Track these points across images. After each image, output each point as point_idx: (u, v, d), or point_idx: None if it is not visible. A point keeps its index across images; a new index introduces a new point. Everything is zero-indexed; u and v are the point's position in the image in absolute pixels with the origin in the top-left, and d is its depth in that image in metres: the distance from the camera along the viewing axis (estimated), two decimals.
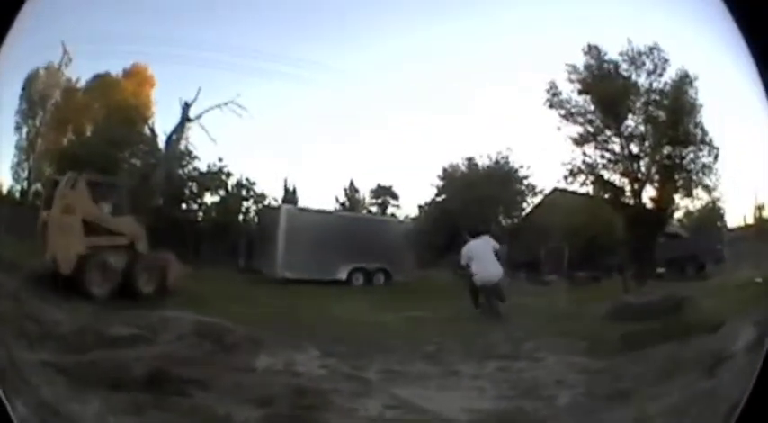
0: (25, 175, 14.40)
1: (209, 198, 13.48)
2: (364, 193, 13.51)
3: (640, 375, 5.29)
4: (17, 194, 13.03)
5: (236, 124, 12.11)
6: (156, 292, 10.38)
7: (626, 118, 9.83)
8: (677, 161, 9.15)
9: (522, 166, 11.64)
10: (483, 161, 12.13)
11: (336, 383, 6.39)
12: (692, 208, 10.15)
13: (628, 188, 9.88)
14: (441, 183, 12.19)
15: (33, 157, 14.79)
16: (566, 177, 10.43)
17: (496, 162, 11.59)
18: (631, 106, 9.74)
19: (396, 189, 13.36)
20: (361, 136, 12.53)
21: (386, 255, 11.77)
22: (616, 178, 10.31)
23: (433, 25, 11.00)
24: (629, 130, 9.87)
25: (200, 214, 13.46)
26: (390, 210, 13.59)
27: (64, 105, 14.40)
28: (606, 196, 10.23)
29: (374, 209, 13.41)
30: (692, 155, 8.99)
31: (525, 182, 11.76)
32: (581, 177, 10.33)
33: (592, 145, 10.10)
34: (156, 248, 10.51)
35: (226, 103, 11.85)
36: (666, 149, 9.51)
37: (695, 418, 4.30)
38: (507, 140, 11.34)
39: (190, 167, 13.30)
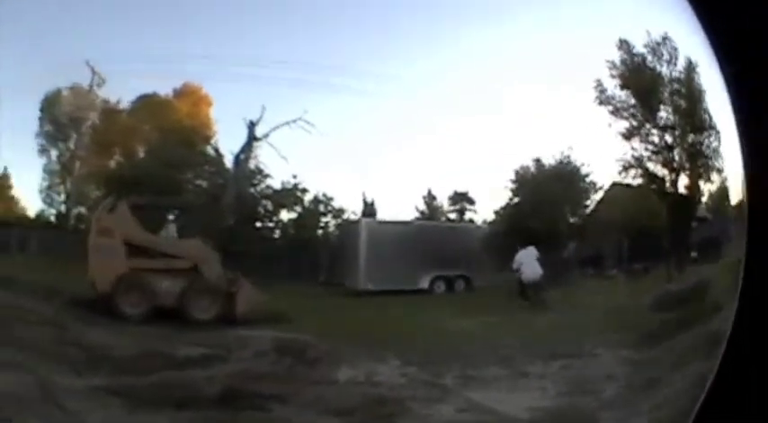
0: (61, 198, 16.62)
1: (285, 215, 15.36)
2: (442, 200, 15.13)
3: (667, 363, 6.82)
4: (52, 218, 15.24)
5: (306, 140, 13.63)
6: (217, 319, 11.90)
7: (659, 109, 11.43)
8: (698, 147, 10.87)
9: (583, 164, 13.21)
10: (549, 161, 13.53)
11: (415, 391, 8.10)
12: (710, 191, 11.52)
13: (667, 178, 11.45)
14: (513, 185, 13.84)
15: (71, 181, 17.12)
16: (620, 172, 11.85)
17: (560, 162, 13.23)
18: (661, 97, 11.36)
19: (472, 194, 14.91)
20: (432, 143, 14.07)
21: (465, 261, 13.80)
22: (658, 169, 11.85)
23: (483, 28, 12.64)
24: (663, 120, 11.44)
25: (277, 232, 15.55)
26: (468, 215, 15.24)
27: (105, 127, 16.67)
28: (653, 187, 12.05)
29: (453, 215, 15.24)
30: (707, 140, 10.58)
31: (587, 179, 13.37)
32: (632, 171, 11.87)
33: (637, 138, 11.58)
34: (233, 270, 12.29)
35: (294, 121, 13.62)
36: (690, 137, 11.12)
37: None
38: (567, 140, 12.70)
39: (262, 186, 15.24)
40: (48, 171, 17.73)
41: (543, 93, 11.61)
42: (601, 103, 11.95)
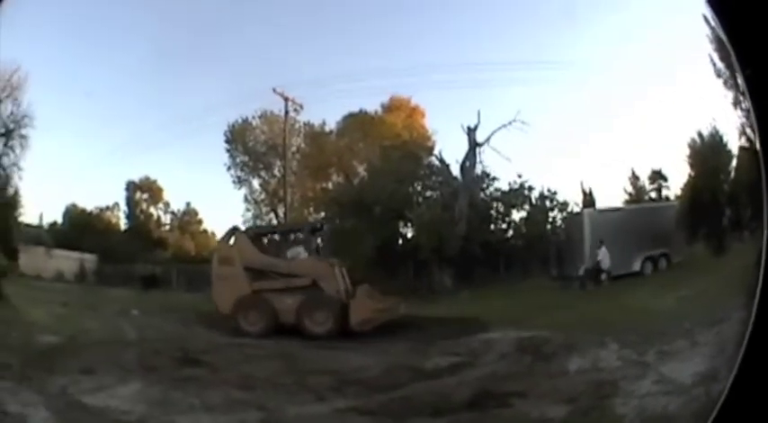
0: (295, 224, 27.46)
1: (516, 215, 25.67)
2: (643, 180, 23.82)
3: None
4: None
5: (520, 137, 22.78)
6: (333, 332, 21.17)
7: None
8: None
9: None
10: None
11: (626, 371, 15.66)
12: None
13: None
14: (689, 160, 21.68)
15: (285, 208, 27.68)
16: None
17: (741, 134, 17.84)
18: None
19: (665, 171, 23.35)
20: (630, 122, 22.14)
21: (664, 239, 22.94)
22: None
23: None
24: None
25: (510, 232, 25.81)
26: (663, 192, 23.68)
27: (315, 151, 27.45)
28: None
29: (653, 194, 23.76)
30: None
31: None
32: None
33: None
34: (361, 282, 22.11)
35: (510, 123, 22.81)
36: None
37: None
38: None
39: (491, 189, 25.63)
40: (252, 201, 28.66)
41: (698, 68, 17.66)
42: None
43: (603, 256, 23.17)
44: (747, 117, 13.01)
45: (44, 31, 20.58)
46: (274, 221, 27.62)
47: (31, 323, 20.37)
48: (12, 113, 21.59)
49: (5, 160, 21.99)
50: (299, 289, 22.21)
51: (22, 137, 22.03)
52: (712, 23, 12.93)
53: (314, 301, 22.01)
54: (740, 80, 10.80)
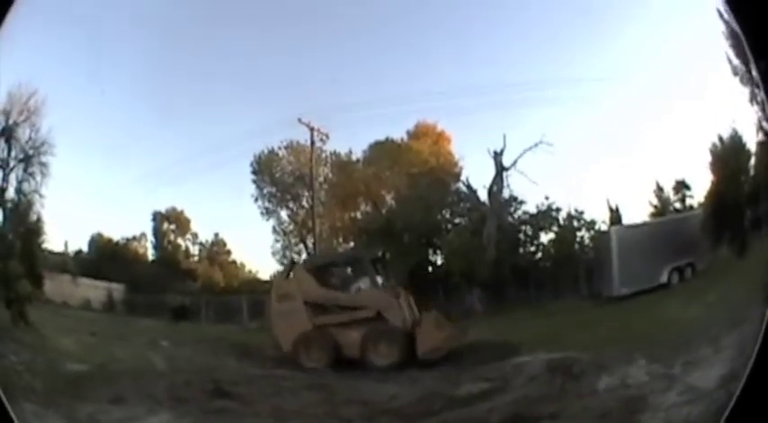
0: (301, 257, 28.23)
1: (544, 237, 26.51)
2: (668, 191, 24.18)
3: None
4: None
5: (545, 158, 23.44)
6: (398, 364, 20.96)
7: None
8: None
9: None
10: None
11: (653, 385, 15.78)
12: None
13: None
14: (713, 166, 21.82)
15: (314, 238, 28.14)
16: None
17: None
18: None
19: (688, 180, 23.52)
20: (654, 135, 22.59)
21: (690, 248, 22.04)
22: None
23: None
24: None
25: (539, 254, 26.58)
26: (688, 202, 23.88)
27: (343, 180, 28.11)
28: None
29: (677, 205, 24.06)
30: None
31: None
32: None
33: None
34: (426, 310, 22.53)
35: (536, 145, 23.51)
36: None
37: None
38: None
39: (519, 212, 26.31)
40: (280, 232, 29.27)
41: (723, 76, 18.13)
42: None
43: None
44: (763, 109, 14.86)
45: (64, 55, 21.61)
46: (303, 252, 28.12)
47: (60, 351, 20.53)
48: (30, 139, 21.84)
49: (26, 186, 22.17)
50: (363, 321, 22.16)
51: (42, 164, 22.14)
52: (726, 17, 14.41)
53: (378, 333, 21.95)
54: (755, 72, 11.65)
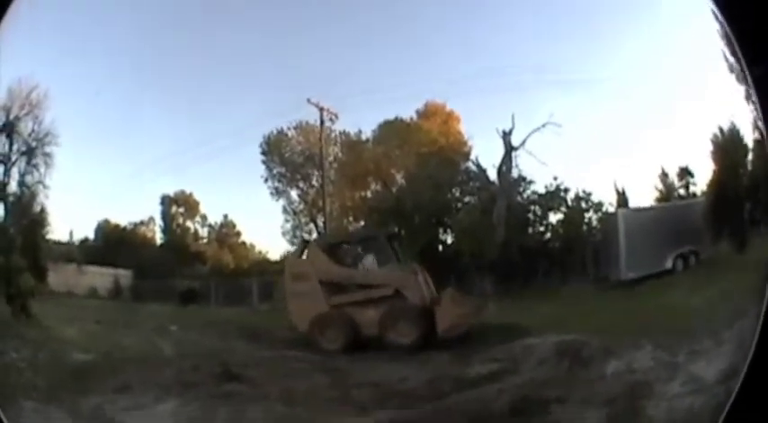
0: (312, 237, 28.07)
1: (552, 217, 26.67)
2: (672, 177, 24.06)
3: None
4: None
5: (553, 139, 23.54)
6: (419, 342, 21.12)
7: None
8: None
9: None
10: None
11: (659, 372, 15.86)
12: None
13: None
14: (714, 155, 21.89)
15: (325, 217, 28.32)
16: None
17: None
18: None
19: (691, 167, 23.49)
20: (660, 121, 22.52)
21: (694, 235, 22.44)
22: None
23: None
24: None
25: (548, 234, 26.78)
26: (692, 189, 23.86)
27: (353, 160, 28.32)
28: None
29: (681, 191, 23.97)
30: None
31: None
32: None
33: None
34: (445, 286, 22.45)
35: (543, 126, 23.60)
36: None
37: None
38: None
39: (528, 192, 26.44)
40: (290, 212, 29.53)
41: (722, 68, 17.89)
42: None
43: None
44: (756, 110, 14.47)
45: (66, 46, 21.61)
46: (314, 232, 28.22)
47: (64, 341, 20.72)
48: (33, 131, 21.96)
49: (29, 178, 22.32)
50: (381, 300, 22.16)
51: (46, 155, 22.32)
52: (720, 19, 13.96)
53: (398, 311, 21.96)
54: (748, 76, 11.58)
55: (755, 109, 14.82)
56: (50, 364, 18.87)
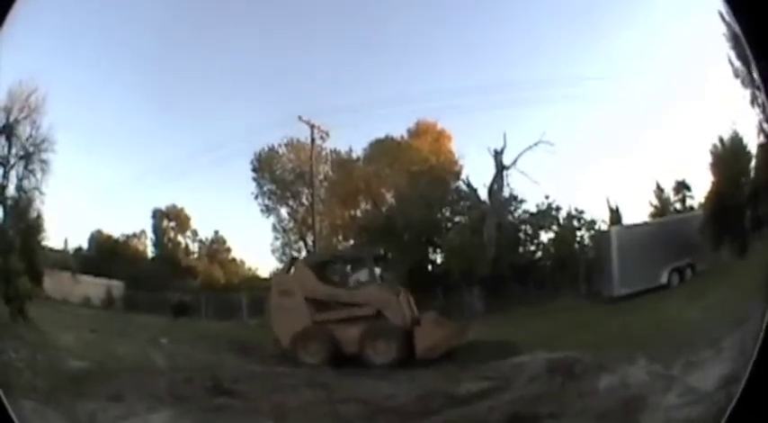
0: (301, 255, 28.56)
1: (544, 236, 27.00)
2: (668, 192, 24.77)
3: None
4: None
5: (545, 157, 23.87)
6: (396, 362, 21.72)
7: None
8: None
9: None
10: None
11: (653, 385, 16.48)
12: None
13: None
14: (713, 167, 22.36)
15: (314, 236, 28.52)
16: None
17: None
18: None
19: (688, 181, 24.18)
20: (655, 136, 22.98)
21: (690, 248, 23.86)
22: None
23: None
24: None
25: (539, 253, 27.05)
26: (688, 202, 24.58)
27: (343, 178, 28.38)
28: None
29: (678, 205, 24.70)
30: None
31: None
32: None
33: None
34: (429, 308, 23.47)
35: (536, 144, 24.22)
36: None
37: None
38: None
39: (519, 211, 26.84)
40: (280, 229, 29.87)
41: (723, 74, 18.27)
42: None
43: None
44: (764, 111, 14.75)
45: (64, 52, 21.83)
46: (303, 250, 28.60)
47: (60, 347, 20.84)
48: (31, 136, 22.15)
49: (26, 183, 22.49)
50: (363, 318, 22.58)
51: (43, 161, 22.47)
52: (727, 19, 14.33)
53: (378, 330, 22.35)
54: (756, 74, 11.67)
55: (762, 110, 15.19)
56: (48, 368, 19.06)
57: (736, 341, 14.42)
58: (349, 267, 25.95)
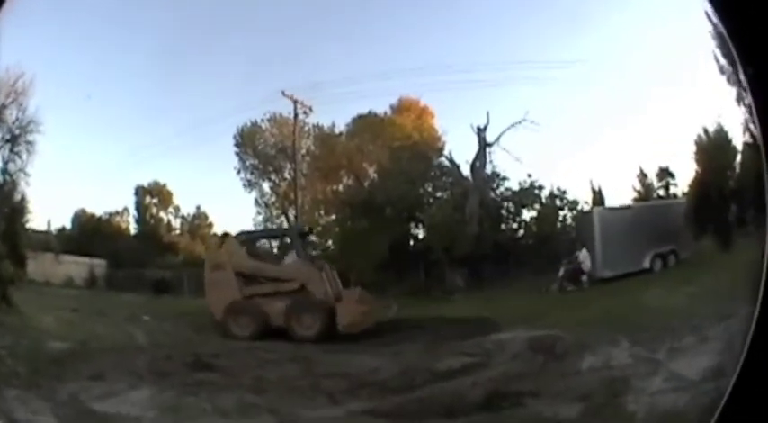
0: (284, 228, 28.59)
1: (526, 214, 26.74)
2: (651, 177, 24.33)
3: None
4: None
5: (528, 136, 23.58)
6: (321, 336, 21.81)
7: None
8: None
9: None
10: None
11: (637, 368, 15.92)
12: None
13: None
14: (697, 156, 22.02)
15: (296, 210, 28.50)
16: None
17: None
18: None
19: (672, 168, 23.78)
20: (639, 120, 22.43)
21: (673, 235, 23.71)
22: None
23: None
24: None
25: (521, 231, 26.89)
26: (672, 190, 24.14)
27: (326, 153, 28.30)
28: None
29: (661, 192, 24.27)
30: None
31: None
32: None
33: None
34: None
35: (520, 122, 23.94)
36: None
37: None
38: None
39: (502, 189, 26.64)
40: (262, 204, 29.72)
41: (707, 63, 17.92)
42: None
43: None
44: (750, 113, 13.68)
45: (50, 34, 21.10)
46: (285, 224, 28.47)
47: (41, 329, 20.52)
48: (17, 119, 21.49)
49: (11, 166, 21.92)
50: (288, 293, 23.06)
51: (29, 143, 21.99)
52: (714, 20, 13.55)
53: (301, 304, 22.85)
54: (742, 76, 11.33)
55: (748, 112, 14.25)
56: (30, 352, 18.73)
57: (720, 333, 14.39)
58: (278, 243, 26.87)
